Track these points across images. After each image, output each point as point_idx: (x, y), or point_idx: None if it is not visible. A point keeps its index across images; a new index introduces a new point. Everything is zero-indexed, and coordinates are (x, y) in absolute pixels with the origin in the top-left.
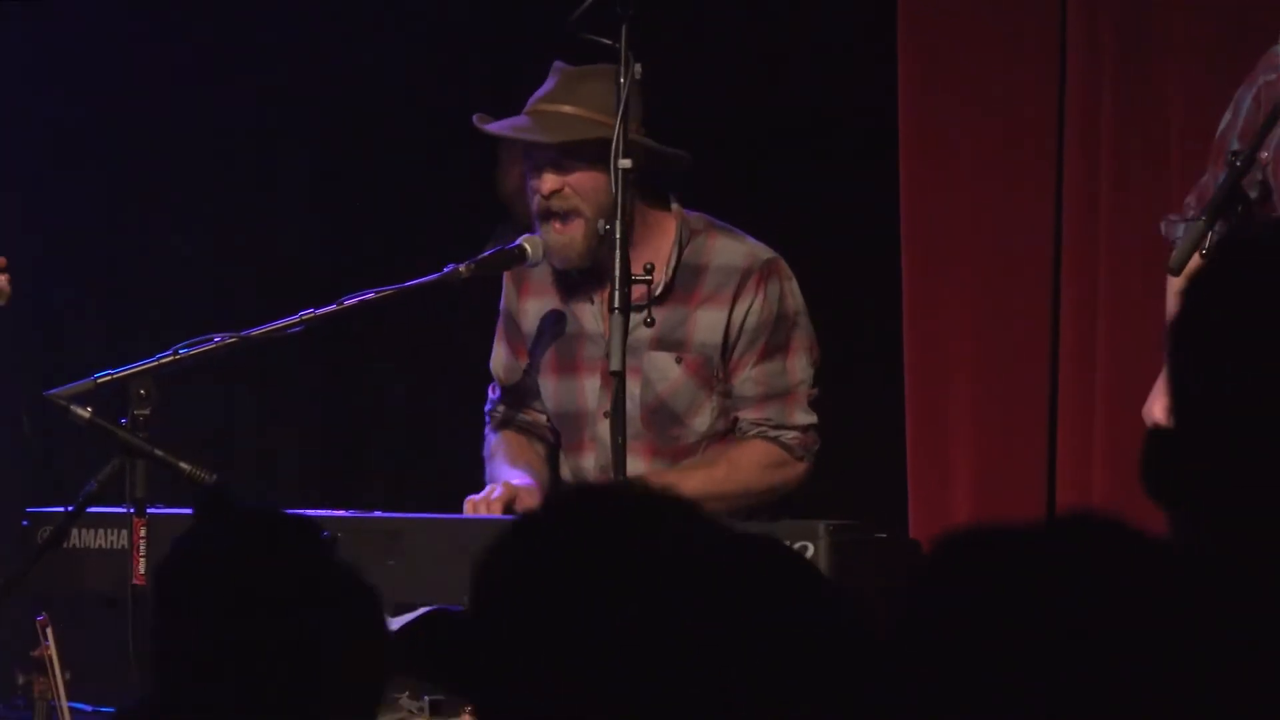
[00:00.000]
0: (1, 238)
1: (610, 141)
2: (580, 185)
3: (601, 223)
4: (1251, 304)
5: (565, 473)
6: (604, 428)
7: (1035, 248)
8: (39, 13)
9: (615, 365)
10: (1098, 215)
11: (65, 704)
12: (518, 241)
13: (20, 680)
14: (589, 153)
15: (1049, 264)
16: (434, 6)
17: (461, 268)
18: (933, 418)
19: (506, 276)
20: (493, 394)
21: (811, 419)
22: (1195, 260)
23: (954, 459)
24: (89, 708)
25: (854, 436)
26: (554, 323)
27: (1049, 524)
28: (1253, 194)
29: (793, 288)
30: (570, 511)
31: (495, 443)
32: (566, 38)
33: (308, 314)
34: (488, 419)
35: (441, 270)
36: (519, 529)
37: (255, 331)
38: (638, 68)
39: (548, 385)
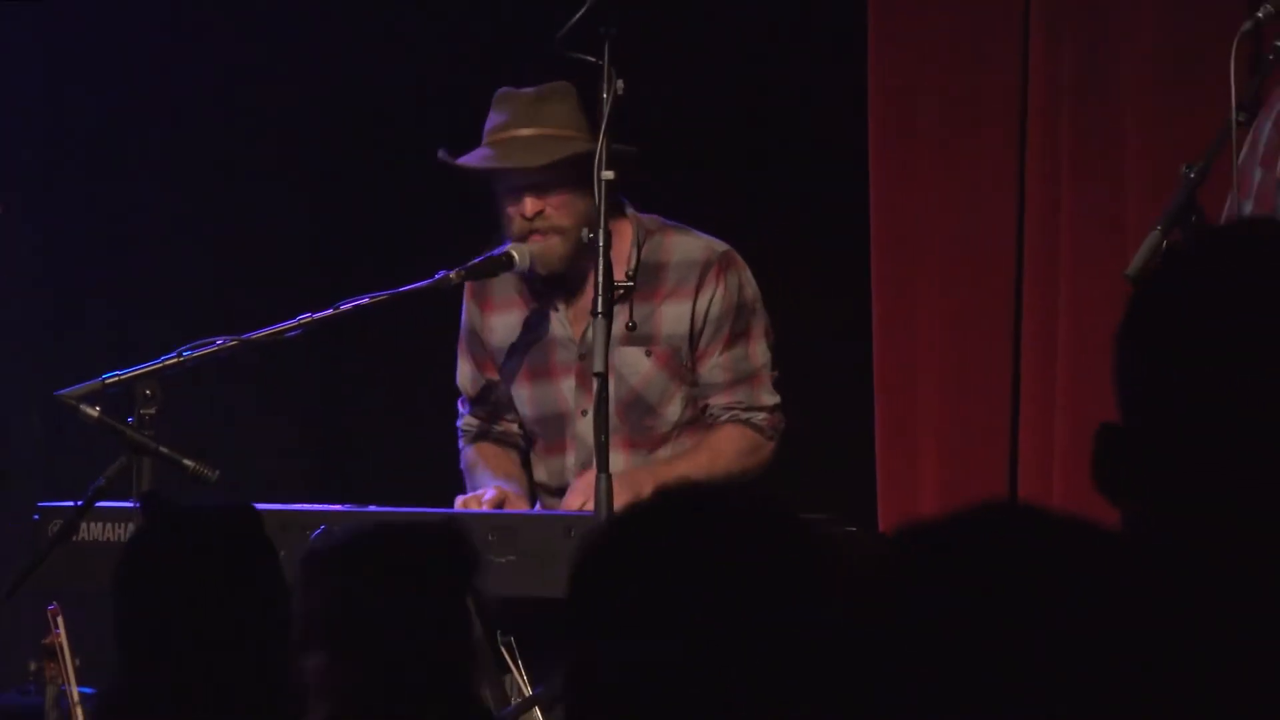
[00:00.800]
0: (11, 237)
1: (584, 157)
2: (560, 205)
3: (585, 231)
4: (1191, 307)
5: (541, 475)
6: (583, 425)
7: (999, 252)
8: (47, 12)
9: (599, 366)
10: (1059, 222)
11: (75, 688)
12: (505, 248)
13: (32, 666)
14: (566, 172)
15: (1012, 267)
16: (429, 25)
17: (452, 274)
18: (900, 417)
19: (467, 293)
20: (463, 409)
21: (776, 399)
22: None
23: (920, 456)
24: (92, 691)
25: (825, 434)
26: (523, 333)
27: (975, 516)
28: None
29: (748, 276)
30: (660, 515)
31: (472, 455)
32: (553, 54)
33: (305, 318)
34: (460, 434)
35: (433, 276)
36: (619, 524)
37: (255, 335)
38: (620, 83)
39: (522, 393)
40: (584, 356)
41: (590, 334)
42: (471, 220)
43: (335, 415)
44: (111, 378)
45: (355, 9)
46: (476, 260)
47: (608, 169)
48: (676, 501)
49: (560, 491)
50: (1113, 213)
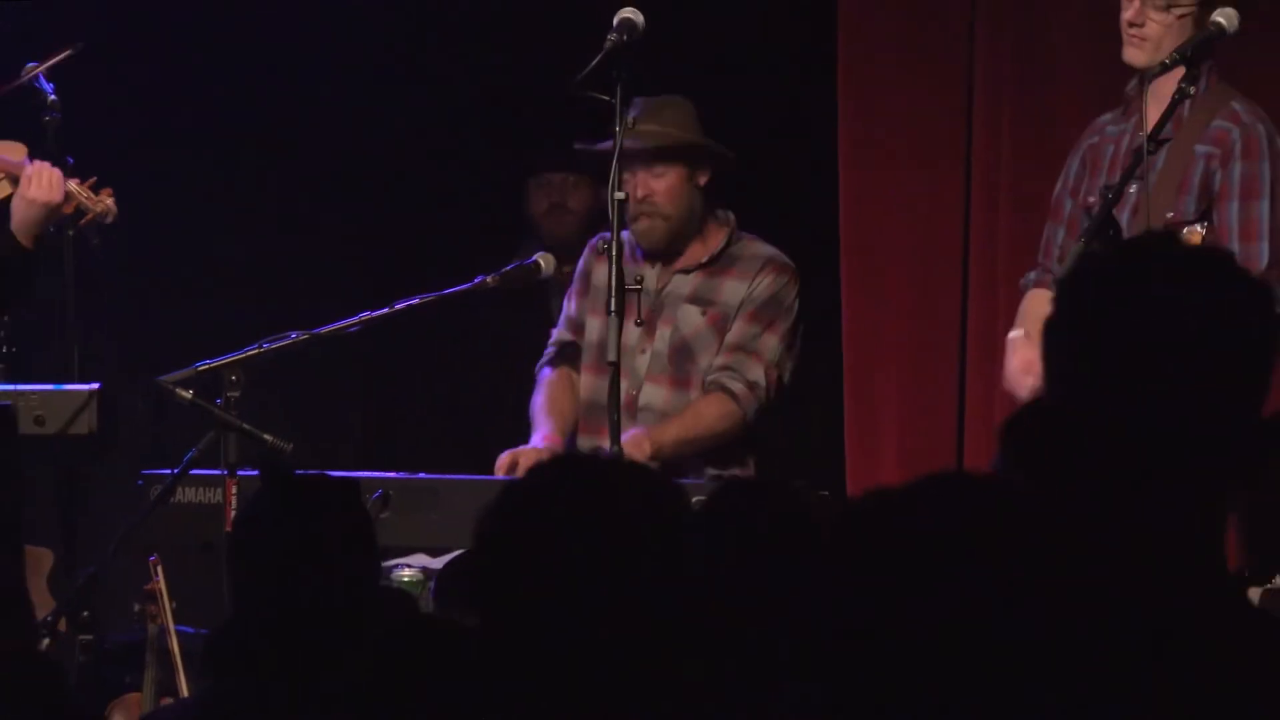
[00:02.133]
0: (124, 245)
1: (687, 150)
2: (666, 190)
3: (683, 220)
4: (1096, 308)
5: (587, 393)
6: (640, 361)
7: (948, 261)
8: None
9: (611, 356)
10: (997, 231)
11: (172, 627)
12: (534, 258)
13: (136, 608)
14: (671, 158)
15: (959, 268)
16: (469, 62)
17: (489, 279)
18: (865, 398)
19: (587, 249)
20: (555, 334)
21: (760, 379)
22: None
23: (881, 432)
24: (191, 630)
25: (802, 415)
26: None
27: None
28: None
29: (794, 289)
30: (545, 479)
31: (548, 379)
32: (573, 93)
33: (365, 315)
34: (547, 351)
35: (472, 280)
36: (509, 491)
37: (323, 329)
38: (631, 119)
39: (595, 321)
40: (654, 308)
41: (666, 289)
42: (503, 233)
43: (387, 396)
44: (203, 365)
45: (409, 45)
46: (509, 267)
47: (619, 192)
48: (551, 471)
49: (595, 409)
50: (1043, 214)
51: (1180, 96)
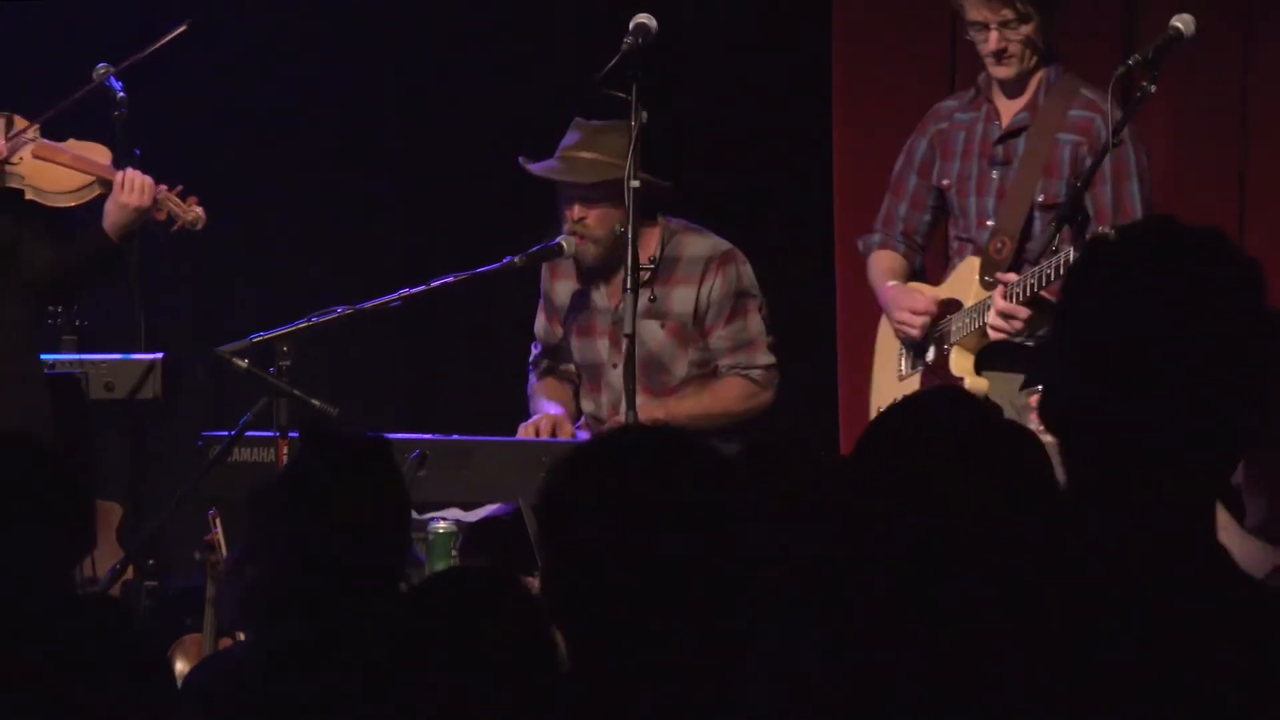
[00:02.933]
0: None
1: (622, 182)
2: (598, 218)
3: (617, 227)
4: (1109, 297)
5: (587, 407)
6: (612, 375)
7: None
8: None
9: (628, 329)
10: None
11: None
12: (557, 240)
13: (196, 557)
14: (607, 191)
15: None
16: (501, 65)
17: (516, 259)
18: (858, 369)
19: (544, 266)
20: (535, 350)
21: (771, 360)
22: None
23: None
24: None
25: (802, 384)
26: (575, 298)
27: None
28: (926, 217)
29: (745, 269)
30: (610, 446)
31: (536, 385)
32: (591, 92)
33: (405, 292)
34: (531, 369)
35: (501, 260)
36: (579, 453)
37: (366, 305)
38: (644, 114)
39: (572, 344)
40: (616, 323)
41: (621, 306)
42: (531, 217)
43: (425, 365)
44: (257, 337)
45: (453, 41)
46: (534, 248)
47: (636, 179)
48: (625, 439)
49: (599, 420)
50: None
51: (1141, 95)
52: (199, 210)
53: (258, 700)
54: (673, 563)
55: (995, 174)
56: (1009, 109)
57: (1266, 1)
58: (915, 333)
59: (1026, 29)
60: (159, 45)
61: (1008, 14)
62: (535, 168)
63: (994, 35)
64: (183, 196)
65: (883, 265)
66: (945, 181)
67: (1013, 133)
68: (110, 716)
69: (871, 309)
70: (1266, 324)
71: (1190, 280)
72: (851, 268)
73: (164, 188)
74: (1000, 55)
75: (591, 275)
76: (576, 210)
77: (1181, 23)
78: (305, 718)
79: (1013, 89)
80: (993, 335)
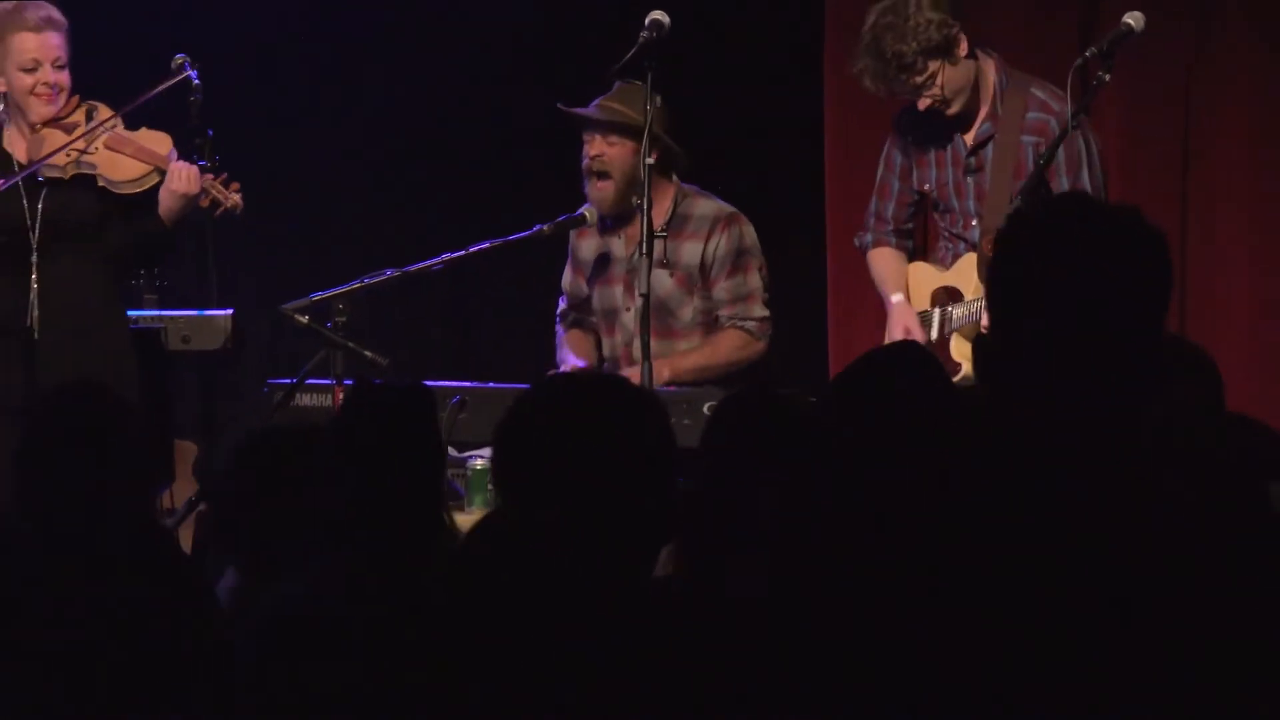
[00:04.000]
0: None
1: (637, 128)
2: (613, 155)
3: (634, 199)
4: (1027, 254)
5: (605, 349)
6: (626, 317)
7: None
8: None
9: (643, 288)
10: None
11: None
12: (581, 211)
13: None
14: (623, 133)
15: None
16: (535, 56)
17: (545, 227)
18: (848, 323)
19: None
20: (562, 303)
21: (765, 313)
22: None
23: (858, 350)
24: None
25: (793, 333)
26: (598, 254)
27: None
28: (911, 210)
29: (748, 230)
30: (553, 390)
31: (563, 337)
32: (610, 78)
33: (446, 256)
34: (558, 320)
35: (532, 229)
36: (530, 395)
37: (412, 268)
38: (658, 99)
39: (595, 293)
40: (630, 271)
41: (635, 256)
42: (558, 191)
43: (465, 319)
44: (316, 296)
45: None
46: (561, 218)
47: (650, 155)
48: (562, 385)
49: (613, 362)
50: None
51: (1098, 84)
52: (238, 197)
53: (315, 621)
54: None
55: (970, 180)
56: (970, 135)
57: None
58: None
59: (941, 77)
60: (159, 90)
61: (917, 79)
62: (569, 109)
63: (923, 100)
64: (226, 184)
65: (884, 266)
66: (926, 186)
67: (981, 143)
68: (181, 630)
69: (861, 263)
70: (1168, 289)
71: (1099, 246)
72: (841, 235)
73: (209, 176)
74: (936, 106)
75: (611, 228)
76: (596, 144)
77: (1133, 19)
78: (356, 640)
79: (968, 112)
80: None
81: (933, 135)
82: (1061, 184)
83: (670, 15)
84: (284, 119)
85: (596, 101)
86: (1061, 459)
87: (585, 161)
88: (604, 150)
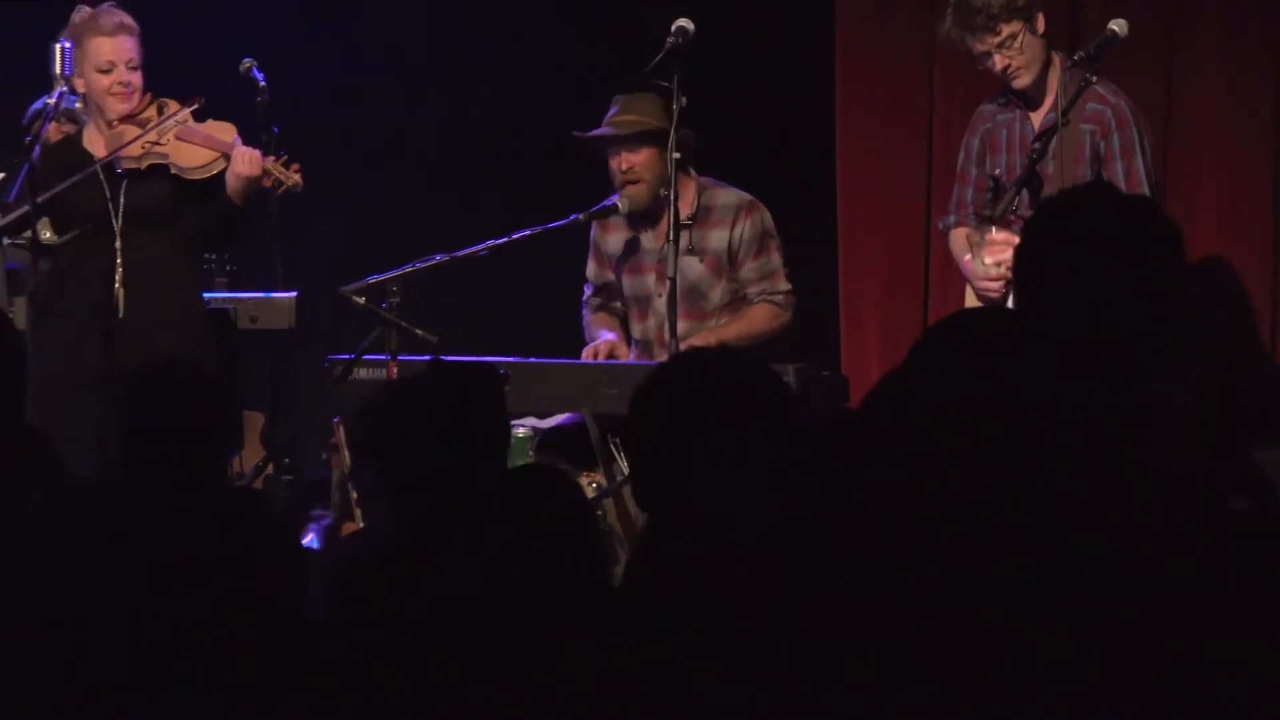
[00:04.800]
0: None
1: (656, 133)
2: (642, 162)
3: (661, 190)
4: (1056, 236)
5: (636, 333)
6: (658, 303)
7: (915, 197)
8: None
9: (670, 272)
10: (952, 174)
11: (350, 470)
12: (613, 200)
13: (324, 456)
14: (646, 141)
15: (922, 205)
16: (568, 63)
17: (580, 216)
18: (856, 301)
19: (594, 223)
20: (587, 290)
21: (789, 287)
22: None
23: (866, 327)
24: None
25: (808, 313)
26: (626, 245)
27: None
28: (988, 196)
29: (766, 215)
30: (687, 364)
31: (592, 319)
32: (640, 79)
33: (490, 243)
34: (584, 305)
35: (568, 217)
36: (663, 371)
37: (460, 253)
38: (683, 99)
39: (626, 281)
40: (660, 261)
41: (664, 248)
42: (591, 183)
43: (506, 300)
44: (372, 279)
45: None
46: (595, 207)
47: (677, 152)
48: (695, 358)
49: (645, 344)
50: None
51: (1084, 84)
52: (298, 177)
53: (374, 573)
54: (724, 454)
55: (1035, 168)
56: (1039, 113)
57: (1186, 7)
58: (995, 294)
59: (1021, 41)
60: (222, 88)
61: (997, 38)
62: (588, 133)
63: (997, 59)
64: (286, 165)
65: (963, 240)
66: (997, 171)
67: (1046, 130)
68: (253, 587)
69: (867, 247)
70: (1180, 272)
71: (1120, 231)
72: (850, 224)
73: (270, 158)
74: (1009, 71)
75: (640, 222)
76: (624, 160)
77: (1117, 25)
78: (411, 589)
79: (1035, 93)
80: None
81: (1005, 124)
82: (1116, 168)
83: (688, 13)
84: (343, 121)
85: (609, 117)
86: (1063, 459)
87: (616, 175)
88: (633, 162)
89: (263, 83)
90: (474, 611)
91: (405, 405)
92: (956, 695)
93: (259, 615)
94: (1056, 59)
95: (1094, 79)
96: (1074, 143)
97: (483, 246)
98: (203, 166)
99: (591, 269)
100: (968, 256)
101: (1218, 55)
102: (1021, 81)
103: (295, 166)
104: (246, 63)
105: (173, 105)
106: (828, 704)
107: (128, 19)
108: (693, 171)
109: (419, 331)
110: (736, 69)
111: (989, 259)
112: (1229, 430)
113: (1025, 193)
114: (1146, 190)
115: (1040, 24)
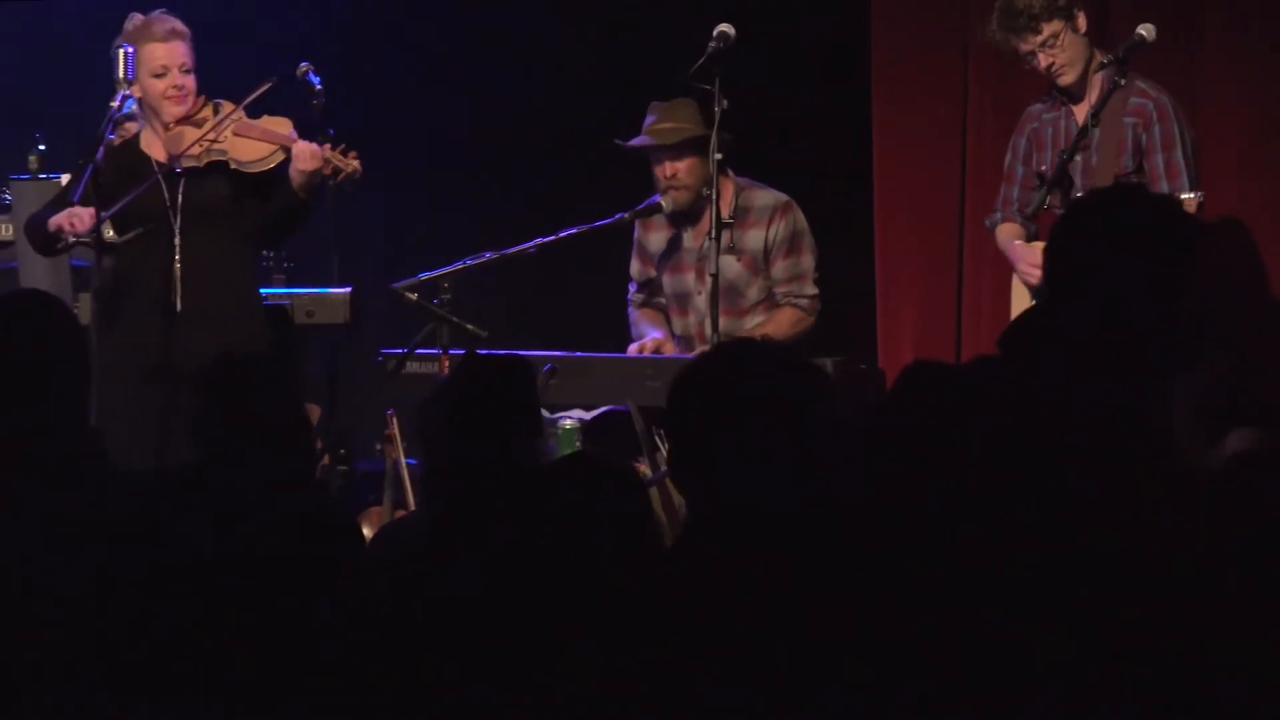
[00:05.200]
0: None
1: (697, 140)
2: (685, 169)
3: (704, 190)
4: (1085, 237)
5: (677, 329)
6: (698, 300)
7: (949, 200)
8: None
9: (712, 269)
10: (983, 178)
11: (404, 460)
12: (657, 199)
13: (378, 447)
14: (687, 149)
15: (956, 207)
16: (617, 69)
17: (626, 215)
18: (892, 294)
19: (638, 222)
20: (631, 288)
21: (815, 291)
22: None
23: (903, 320)
24: (414, 462)
25: (844, 307)
26: (668, 244)
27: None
28: (1033, 193)
29: (800, 216)
30: (726, 355)
31: (637, 315)
32: (683, 83)
33: (538, 241)
34: (629, 303)
35: (614, 216)
36: (703, 361)
37: (508, 251)
38: (725, 102)
39: (666, 279)
40: (700, 259)
41: (705, 246)
42: (634, 184)
43: (553, 297)
44: (424, 276)
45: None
46: (640, 206)
47: (718, 153)
48: (734, 350)
49: (686, 340)
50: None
51: (1113, 86)
52: (356, 163)
53: (426, 557)
54: (766, 442)
55: (1079, 159)
56: (1081, 109)
57: (1207, 11)
58: (1035, 280)
59: (1063, 39)
60: (264, 88)
61: (1040, 37)
62: (631, 143)
63: (1041, 57)
64: (345, 152)
65: (1008, 232)
66: (1043, 168)
67: (1078, 134)
68: (312, 569)
69: (902, 245)
70: (1197, 267)
71: (1140, 230)
72: (886, 219)
73: (328, 147)
74: (1053, 69)
75: (681, 221)
76: (667, 168)
77: (1145, 30)
78: (461, 572)
79: (1078, 90)
80: None
81: (1050, 122)
82: (1157, 160)
83: (727, 16)
84: (398, 123)
85: (648, 125)
86: (1073, 458)
87: (661, 182)
88: (676, 169)
89: (319, 86)
90: (528, 593)
91: (440, 395)
92: (969, 692)
93: (336, 609)
94: (1099, 57)
95: (1122, 81)
96: (1116, 135)
97: (531, 245)
98: (261, 160)
99: (635, 267)
100: (1017, 241)
101: (1237, 61)
102: (1065, 79)
103: (353, 154)
104: (303, 66)
105: (227, 105)
106: (847, 702)
107: (179, 24)
108: (730, 172)
109: (469, 326)
110: (774, 69)
111: (1040, 245)
112: (1234, 427)
113: (1058, 192)
114: (1186, 182)
115: (1082, 23)
